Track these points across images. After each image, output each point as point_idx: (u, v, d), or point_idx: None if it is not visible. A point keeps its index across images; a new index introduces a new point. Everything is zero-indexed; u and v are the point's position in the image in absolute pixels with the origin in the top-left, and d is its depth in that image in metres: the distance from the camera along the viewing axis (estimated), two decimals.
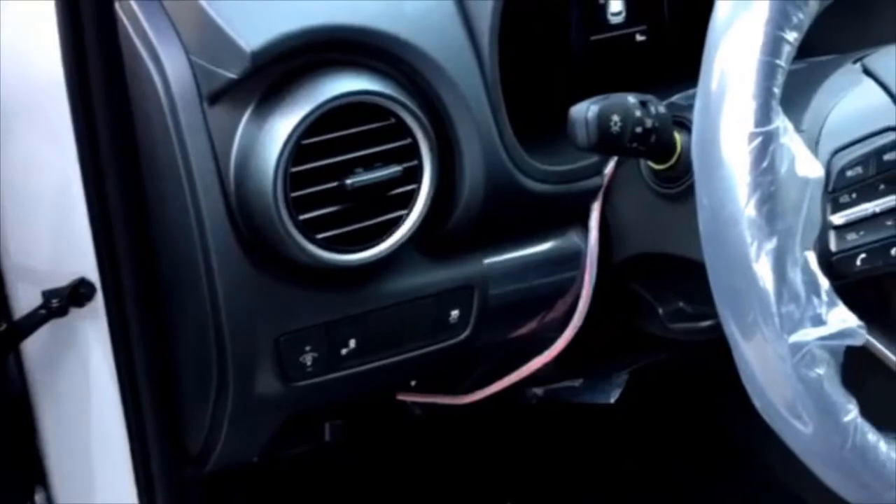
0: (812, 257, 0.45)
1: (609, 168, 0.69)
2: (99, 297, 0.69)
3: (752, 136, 0.43)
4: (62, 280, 0.69)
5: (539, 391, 0.96)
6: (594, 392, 0.89)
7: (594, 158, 0.68)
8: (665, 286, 0.73)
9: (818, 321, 0.44)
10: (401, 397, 0.84)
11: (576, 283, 0.72)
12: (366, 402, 0.85)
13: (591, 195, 0.69)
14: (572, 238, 0.71)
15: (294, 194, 0.55)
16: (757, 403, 0.49)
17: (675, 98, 0.66)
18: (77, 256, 0.67)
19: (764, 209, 0.43)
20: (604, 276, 0.71)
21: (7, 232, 0.68)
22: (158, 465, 0.79)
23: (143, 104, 0.58)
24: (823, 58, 0.59)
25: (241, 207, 0.57)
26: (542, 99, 0.68)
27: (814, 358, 0.44)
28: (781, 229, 0.44)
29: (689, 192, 0.63)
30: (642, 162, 0.65)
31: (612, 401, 0.87)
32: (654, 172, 0.64)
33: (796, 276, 0.44)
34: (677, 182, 0.62)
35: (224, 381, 0.64)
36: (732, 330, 0.47)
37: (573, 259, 0.71)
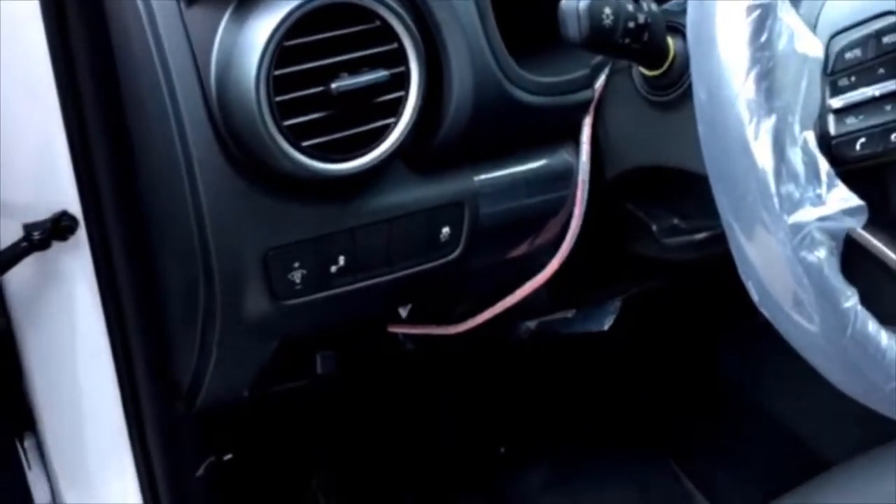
0: (811, 137, 0.44)
1: (600, 82, 0.67)
2: (82, 230, 0.68)
3: (750, 8, 0.42)
4: (44, 214, 0.67)
5: (532, 324, 0.95)
6: (587, 321, 0.89)
7: (585, 70, 0.67)
8: (658, 202, 0.72)
9: (818, 201, 0.43)
10: (392, 329, 0.84)
11: (567, 202, 0.71)
12: (357, 334, 0.84)
13: (582, 109, 0.68)
14: (563, 155, 0.70)
15: (278, 98, 0.54)
16: (756, 297, 0.48)
17: (668, 4, 0.64)
18: (59, 190, 0.66)
19: (762, 86, 0.42)
20: (596, 196, 0.70)
21: None
22: (148, 401, 0.78)
23: (119, 13, 0.57)
24: None
25: (224, 114, 0.55)
26: (530, 9, 0.66)
27: (813, 240, 0.43)
28: (780, 107, 0.42)
29: (683, 99, 0.62)
30: (635, 71, 0.64)
31: (606, 328, 0.87)
32: (647, 80, 0.62)
33: (795, 156, 0.43)
34: (671, 89, 0.61)
35: (211, 302, 0.62)
36: (730, 219, 0.46)
37: (565, 177, 0.70)
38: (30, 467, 0.83)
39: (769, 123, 0.42)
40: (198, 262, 0.60)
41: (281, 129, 0.54)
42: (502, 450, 1.24)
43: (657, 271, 0.83)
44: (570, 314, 0.91)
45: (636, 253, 0.77)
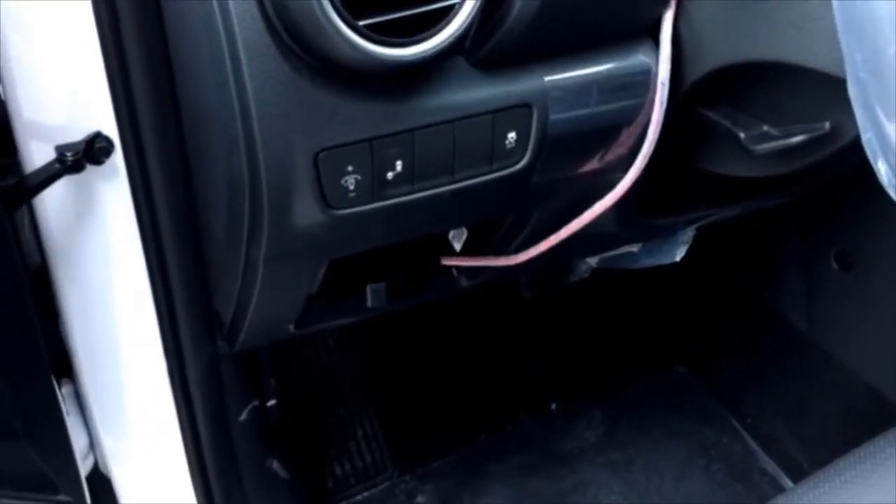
0: None
1: None
2: (118, 156, 0.63)
3: None
4: (78, 136, 0.63)
5: (593, 261, 0.89)
6: (656, 253, 0.82)
7: None
8: (744, 108, 0.65)
9: None
10: (446, 262, 0.78)
11: (643, 110, 0.64)
12: (408, 267, 0.78)
13: (662, 2, 0.61)
14: (640, 56, 0.63)
15: None
16: (885, 179, 0.42)
17: None
18: (94, 113, 0.61)
19: None
20: (673, 105, 0.64)
21: (19, 89, 0.61)
22: (189, 341, 0.74)
23: None
24: None
25: None
26: None
27: None
28: None
29: None
30: None
31: (678, 259, 0.80)
32: None
33: None
34: None
35: (258, 209, 0.57)
36: (862, 76, 0.39)
37: (641, 82, 0.63)
38: (68, 413, 0.79)
39: None
40: (243, 166, 0.55)
41: (334, 4, 0.49)
42: (554, 406, 1.19)
43: (735, 193, 0.76)
44: (635, 248, 0.85)
45: (716, 170, 0.71)
